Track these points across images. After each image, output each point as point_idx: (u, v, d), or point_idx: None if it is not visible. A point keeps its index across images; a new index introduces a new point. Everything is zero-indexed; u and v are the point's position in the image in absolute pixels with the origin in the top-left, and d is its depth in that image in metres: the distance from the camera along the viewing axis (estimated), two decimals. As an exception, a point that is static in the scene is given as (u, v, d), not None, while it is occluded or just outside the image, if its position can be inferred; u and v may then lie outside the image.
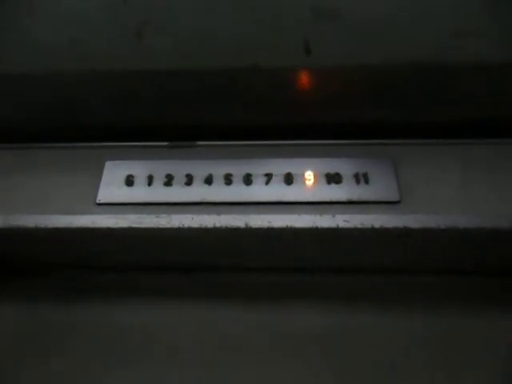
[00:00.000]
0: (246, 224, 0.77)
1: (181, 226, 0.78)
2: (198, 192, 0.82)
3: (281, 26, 0.74)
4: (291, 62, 0.77)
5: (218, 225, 0.77)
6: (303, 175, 0.82)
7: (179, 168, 0.85)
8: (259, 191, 0.81)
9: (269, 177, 0.83)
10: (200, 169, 0.84)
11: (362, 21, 0.75)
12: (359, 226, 0.75)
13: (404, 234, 0.75)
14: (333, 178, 0.81)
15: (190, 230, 0.78)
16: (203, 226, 0.77)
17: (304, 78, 0.79)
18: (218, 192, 0.82)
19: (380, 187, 0.80)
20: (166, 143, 0.88)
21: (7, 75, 0.83)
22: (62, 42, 0.81)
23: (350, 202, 0.79)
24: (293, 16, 0.74)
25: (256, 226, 0.77)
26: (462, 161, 0.82)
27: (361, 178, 0.81)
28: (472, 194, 0.79)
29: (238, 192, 0.82)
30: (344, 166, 0.83)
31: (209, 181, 0.83)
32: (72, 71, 0.83)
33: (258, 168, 0.83)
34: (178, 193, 0.82)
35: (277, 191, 0.81)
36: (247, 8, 0.74)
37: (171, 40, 0.79)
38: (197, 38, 0.78)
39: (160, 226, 0.78)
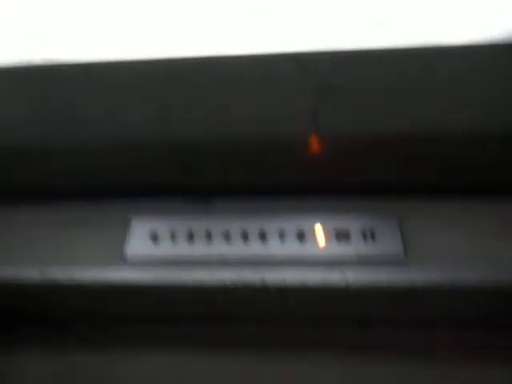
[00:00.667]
0: (262, 280, 0.83)
1: (201, 282, 0.84)
2: (217, 248, 0.89)
3: (289, 99, 0.80)
4: (301, 130, 0.83)
5: (235, 281, 0.84)
6: (314, 232, 0.88)
7: (199, 224, 0.92)
8: (274, 248, 0.88)
9: (282, 233, 0.89)
10: (218, 225, 0.91)
11: (365, 90, 0.80)
12: (367, 283, 0.81)
13: (410, 290, 0.81)
14: (342, 235, 0.87)
15: (209, 285, 0.84)
16: (222, 282, 0.84)
17: (313, 144, 0.84)
18: (236, 249, 0.88)
19: (386, 244, 0.85)
20: (186, 200, 0.95)
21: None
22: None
23: (359, 259, 0.84)
24: (300, 89, 0.80)
25: (271, 283, 0.83)
26: (467, 217, 0.87)
27: (368, 235, 0.87)
28: (476, 250, 0.83)
29: (254, 249, 0.88)
30: (352, 223, 0.88)
31: (227, 237, 0.89)
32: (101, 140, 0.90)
33: (272, 224, 0.90)
34: (199, 249, 0.89)
35: (290, 248, 0.87)
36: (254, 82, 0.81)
37: (193, 113, 0.85)
38: (218, 111, 0.84)
39: (182, 283, 0.85)
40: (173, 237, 0.91)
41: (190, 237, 0.91)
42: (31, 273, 0.88)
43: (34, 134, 0.91)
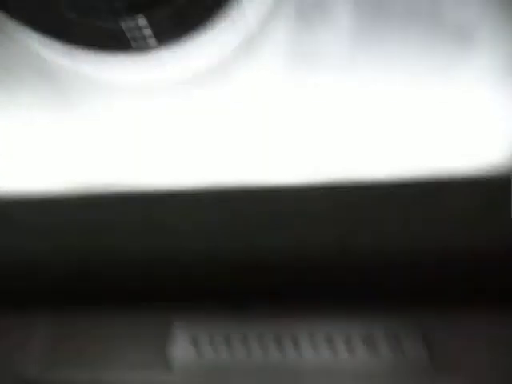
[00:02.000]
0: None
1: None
2: (256, 356, 0.96)
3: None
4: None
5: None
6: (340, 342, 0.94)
7: (239, 331, 0.99)
8: (308, 356, 0.94)
9: (313, 339, 0.95)
10: (254, 330, 0.98)
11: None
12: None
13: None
14: (370, 346, 0.93)
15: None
16: None
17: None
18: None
19: (411, 355, 0.91)
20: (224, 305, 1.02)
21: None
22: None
23: (386, 372, 0.90)
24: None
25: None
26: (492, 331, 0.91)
27: (394, 345, 0.92)
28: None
29: (287, 357, 0.95)
30: (379, 333, 0.94)
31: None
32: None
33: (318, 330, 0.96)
34: (237, 357, 0.97)
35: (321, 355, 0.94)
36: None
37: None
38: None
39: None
40: (214, 344, 0.98)
41: (228, 342, 0.98)
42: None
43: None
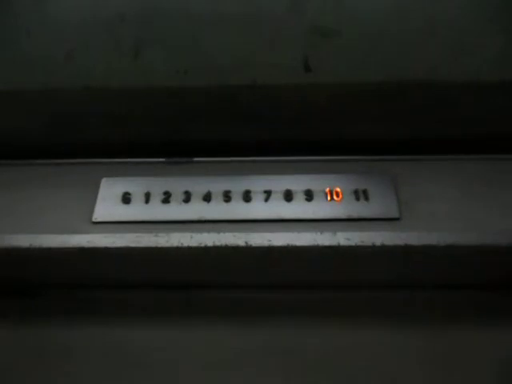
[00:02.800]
0: (246, 242, 0.76)
1: (180, 244, 0.76)
2: (197, 210, 0.81)
3: (280, 43, 0.74)
4: (290, 79, 0.77)
5: (217, 243, 0.76)
6: (303, 192, 0.82)
7: (177, 185, 0.84)
8: (259, 208, 0.81)
9: (268, 194, 0.82)
10: (198, 186, 0.83)
11: (360, 37, 0.75)
12: (360, 243, 0.75)
13: (404, 251, 0.75)
14: (332, 195, 0.81)
15: (189, 248, 0.76)
16: (202, 244, 0.76)
17: (303, 95, 0.78)
18: (217, 209, 0.81)
19: (380, 204, 0.80)
20: (163, 159, 0.87)
21: (2, 92, 0.81)
22: (57, 60, 0.80)
23: (350, 219, 0.78)
24: (292, 33, 0.74)
25: (256, 245, 0.76)
26: (462, 177, 0.82)
27: (360, 195, 0.81)
28: (472, 211, 0.79)
29: (237, 209, 0.81)
30: (344, 183, 0.82)
31: (207, 198, 0.82)
32: (68, 89, 0.81)
33: (257, 185, 0.83)
34: (176, 210, 0.81)
35: (276, 208, 0.80)
36: (246, 25, 0.74)
37: (169, 57, 0.78)
38: (195, 55, 0.77)
39: (158, 245, 0.77)
40: (147, 198, 0.83)
41: (167, 198, 0.83)
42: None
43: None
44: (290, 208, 0.80)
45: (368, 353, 0.80)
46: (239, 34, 0.75)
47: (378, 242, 0.75)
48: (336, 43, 0.75)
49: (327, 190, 0.82)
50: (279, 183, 0.83)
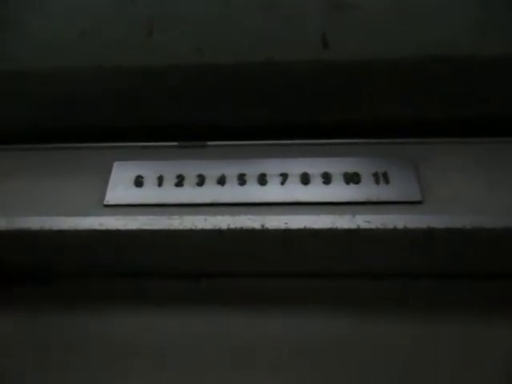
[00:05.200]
0: (262, 225, 0.73)
1: (193, 227, 0.74)
2: (211, 193, 0.79)
3: (297, 19, 0.72)
4: (307, 56, 0.74)
5: (232, 226, 0.74)
6: (320, 175, 0.79)
7: (190, 168, 0.82)
8: (275, 191, 0.78)
9: (284, 177, 0.79)
10: (212, 169, 0.81)
11: (380, 14, 0.72)
12: (381, 226, 0.72)
13: (428, 234, 0.72)
14: (351, 178, 0.78)
15: (203, 231, 0.74)
16: (217, 227, 0.74)
17: (321, 73, 0.76)
18: (232, 192, 0.78)
19: (400, 187, 0.77)
20: (176, 143, 0.85)
21: (12, 72, 0.80)
22: (68, 39, 0.78)
23: (370, 203, 0.75)
24: (309, 8, 0.71)
25: (272, 228, 0.73)
26: (486, 160, 0.79)
27: (380, 178, 0.78)
28: (496, 194, 0.75)
29: (252, 192, 0.78)
30: (363, 166, 0.79)
31: (222, 181, 0.80)
32: (79, 68, 0.80)
33: (273, 168, 0.80)
34: (190, 193, 0.79)
35: (293, 191, 0.78)
36: (261, 0, 0.72)
37: (182, 35, 0.76)
38: (209, 32, 0.75)
39: (172, 228, 0.74)
40: (160, 181, 0.81)
41: (180, 181, 0.80)
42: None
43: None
44: (307, 191, 0.78)
45: (390, 344, 0.76)
46: (254, 10, 0.73)
47: (399, 225, 0.72)
48: (354, 18, 0.72)
49: (345, 172, 0.79)
50: (296, 166, 0.80)
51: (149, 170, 0.82)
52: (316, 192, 0.77)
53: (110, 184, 0.81)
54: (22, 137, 0.86)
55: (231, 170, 0.81)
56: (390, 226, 0.72)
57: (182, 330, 0.78)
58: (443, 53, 0.73)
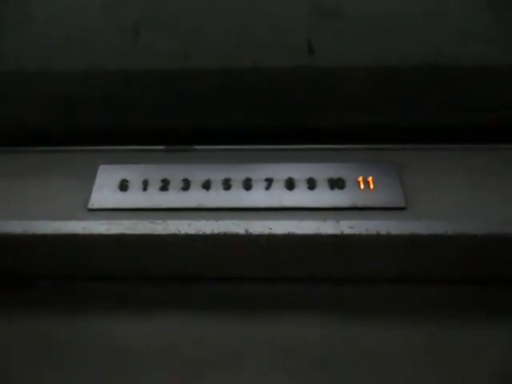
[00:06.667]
0: (246, 230, 0.73)
1: (177, 232, 0.74)
2: (195, 197, 0.79)
3: (283, 25, 0.72)
4: (293, 62, 0.75)
5: (216, 231, 0.74)
6: (305, 180, 0.79)
7: (176, 172, 0.81)
8: (259, 196, 0.78)
9: (269, 182, 0.79)
10: (197, 173, 0.81)
11: (366, 20, 0.73)
12: (364, 232, 0.72)
13: (411, 240, 0.72)
14: (336, 183, 0.78)
15: (186, 236, 0.74)
16: (201, 232, 0.74)
17: (306, 79, 0.76)
18: (217, 197, 0.78)
19: (385, 193, 0.77)
20: (162, 147, 0.85)
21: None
22: (56, 42, 0.78)
23: (354, 208, 0.76)
24: (295, 14, 0.72)
25: (256, 233, 0.73)
26: (469, 166, 0.80)
27: (365, 184, 0.78)
28: (479, 200, 0.76)
29: (237, 197, 0.78)
30: (347, 171, 0.80)
31: (206, 186, 0.80)
32: (66, 72, 0.80)
33: (258, 173, 0.80)
34: (175, 198, 0.79)
35: (278, 196, 0.78)
36: (248, 6, 0.72)
37: (169, 39, 0.76)
38: (196, 37, 0.75)
39: (155, 233, 0.74)
40: (145, 185, 0.80)
41: (165, 185, 0.80)
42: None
43: None
44: (291, 196, 0.78)
45: (373, 349, 0.76)
46: (240, 16, 0.73)
47: (383, 231, 0.72)
48: (340, 25, 0.73)
49: (330, 178, 0.79)
50: (281, 171, 0.80)
51: (134, 173, 0.82)
52: (301, 197, 0.77)
53: (95, 188, 0.81)
54: (5, 139, 0.86)
55: (216, 174, 0.81)
56: (374, 231, 0.72)
57: (166, 334, 0.78)
58: (428, 61, 0.74)
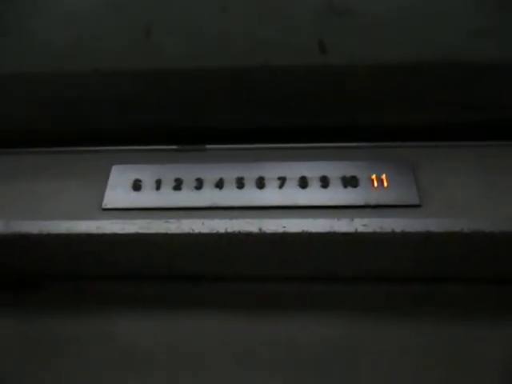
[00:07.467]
0: (260, 229, 0.73)
1: (191, 231, 0.74)
2: (209, 196, 0.79)
3: (294, 23, 0.72)
4: (305, 61, 0.75)
5: (229, 230, 0.74)
6: (318, 178, 0.79)
7: (188, 172, 0.82)
8: (272, 195, 0.78)
9: (282, 180, 0.79)
10: (210, 172, 0.81)
11: (378, 19, 0.72)
12: (379, 230, 0.72)
13: (426, 238, 0.72)
14: (349, 182, 0.78)
15: (200, 235, 0.74)
16: (214, 230, 0.74)
17: (318, 77, 0.76)
18: (230, 196, 0.78)
19: (399, 190, 0.77)
20: (175, 147, 0.85)
21: (11, 76, 0.81)
22: (66, 42, 0.79)
23: (368, 206, 0.75)
24: (307, 13, 0.72)
25: (270, 231, 0.73)
26: (483, 163, 0.79)
27: (378, 182, 0.78)
28: (494, 197, 0.75)
29: (250, 196, 0.78)
30: (360, 169, 0.79)
31: (220, 185, 0.80)
32: (78, 72, 0.80)
33: (271, 171, 0.80)
34: (188, 197, 0.79)
35: (291, 195, 0.78)
36: (259, 5, 0.72)
37: (180, 39, 0.76)
38: (208, 36, 0.75)
39: (169, 232, 0.74)
40: (158, 184, 0.81)
41: (178, 184, 0.80)
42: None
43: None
44: (305, 195, 0.78)
45: (387, 348, 0.76)
46: (251, 15, 0.73)
47: (397, 229, 0.71)
48: (352, 23, 0.72)
49: (343, 176, 0.79)
50: (294, 170, 0.80)
51: (147, 173, 0.82)
52: (314, 195, 0.77)
53: (109, 187, 0.81)
54: (20, 140, 0.86)
55: (229, 173, 0.81)
56: (388, 229, 0.72)
57: (179, 333, 0.78)
58: (441, 58, 0.73)
